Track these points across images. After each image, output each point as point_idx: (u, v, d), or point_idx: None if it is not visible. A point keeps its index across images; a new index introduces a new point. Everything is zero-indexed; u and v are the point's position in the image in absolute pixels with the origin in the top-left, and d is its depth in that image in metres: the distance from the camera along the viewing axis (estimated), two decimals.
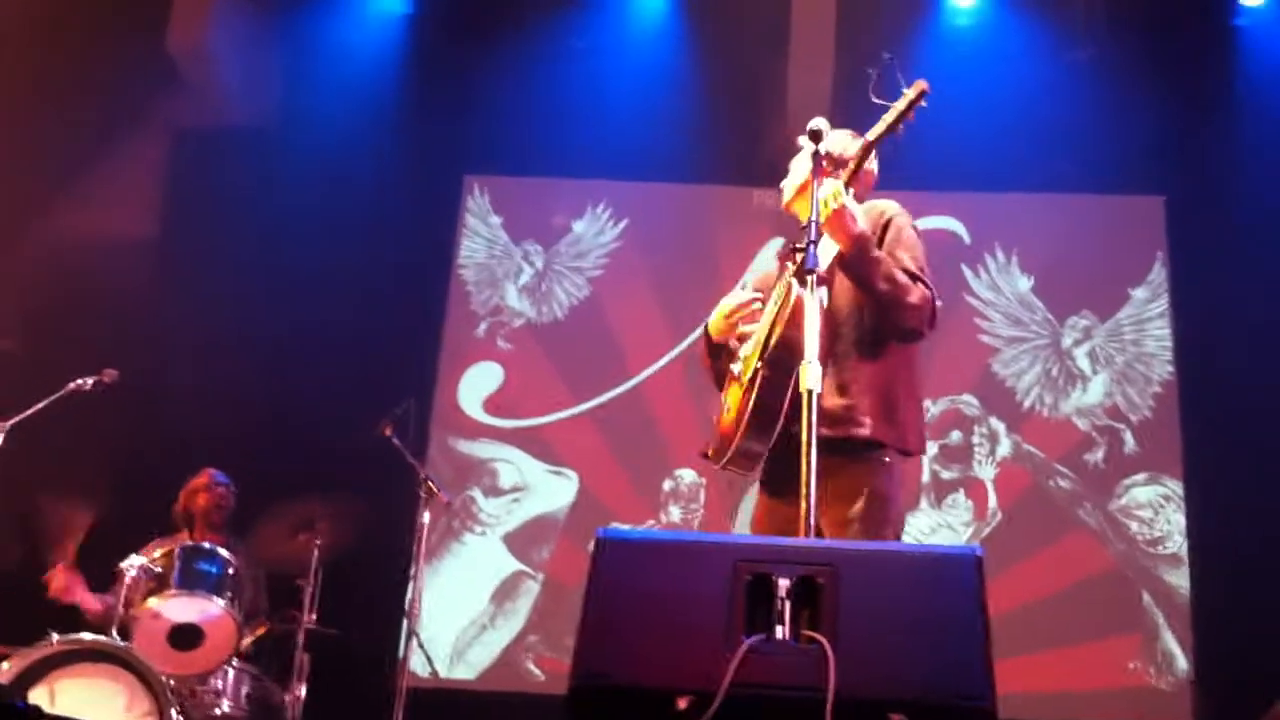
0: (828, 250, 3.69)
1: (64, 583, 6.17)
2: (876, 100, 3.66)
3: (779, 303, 3.75)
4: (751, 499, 4.06)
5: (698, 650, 2.45)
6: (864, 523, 3.64)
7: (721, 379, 4.01)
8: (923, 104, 3.62)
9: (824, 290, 3.52)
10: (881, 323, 3.80)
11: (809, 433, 3.18)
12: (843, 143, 3.98)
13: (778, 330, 3.65)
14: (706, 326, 4.04)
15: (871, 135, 3.69)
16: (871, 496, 3.67)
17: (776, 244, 7.47)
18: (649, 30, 8.60)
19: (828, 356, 3.66)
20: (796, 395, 3.37)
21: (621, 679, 2.45)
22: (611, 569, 2.61)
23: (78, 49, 7.86)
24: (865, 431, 3.72)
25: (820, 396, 3.31)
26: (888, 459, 3.74)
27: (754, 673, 2.40)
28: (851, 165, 3.73)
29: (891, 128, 3.64)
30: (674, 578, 2.58)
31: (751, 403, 3.62)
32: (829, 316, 3.66)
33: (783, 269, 3.94)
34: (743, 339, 3.93)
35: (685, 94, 8.33)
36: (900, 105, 3.62)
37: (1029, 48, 8.12)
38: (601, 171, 8.53)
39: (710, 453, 3.91)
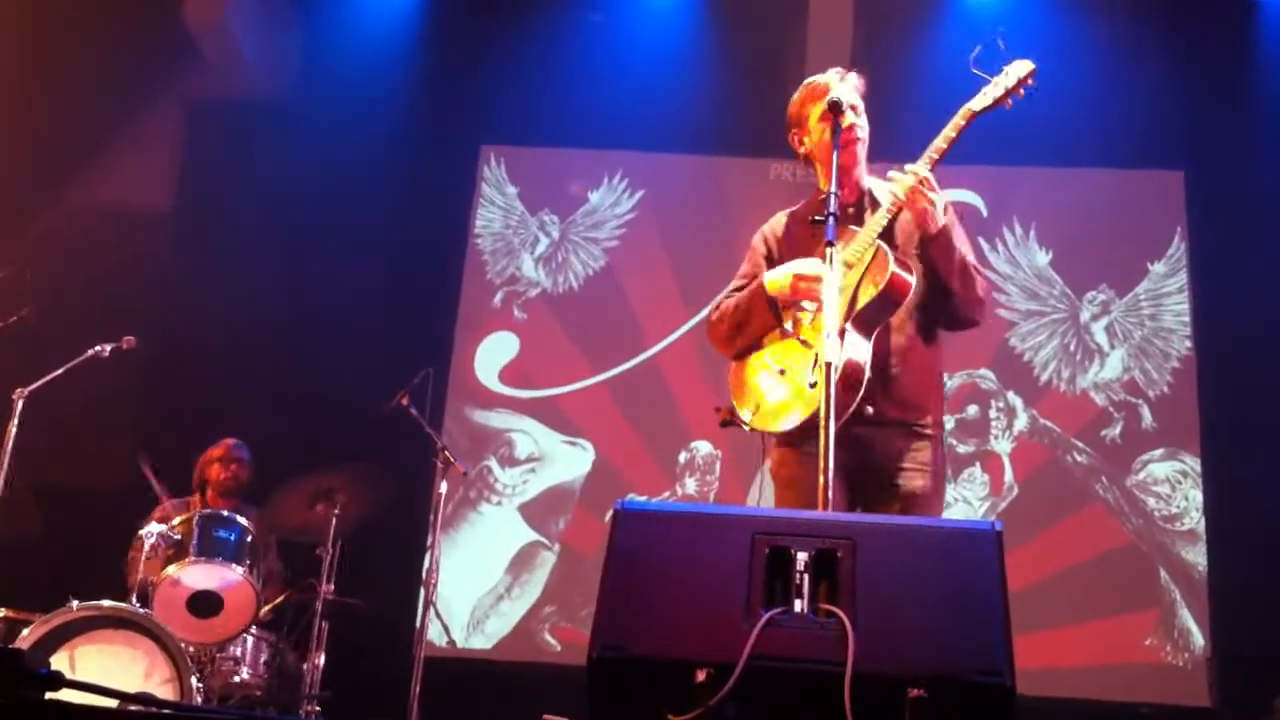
0: (905, 232, 3.82)
1: None
2: (976, 72, 3.78)
3: (855, 265, 3.73)
4: (766, 473, 4.05)
5: (716, 623, 2.45)
6: (929, 496, 3.81)
7: (757, 346, 3.97)
8: (1031, 84, 3.75)
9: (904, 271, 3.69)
10: (949, 312, 3.89)
11: (827, 404, 3.20)
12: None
13: (866, 292, 3.68)
14: (763, 283, 3.93)
15: (976, 106, 3.77)
16: (936, 473, 3.85)
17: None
18: (667, 0, 8.57)
19: (893, 335, 3.75)
20: (874, 355, 3.62)
21: (640, 650, 2.45)
22: (630, 540, 2.61)
23: (96, 24, 7.85)
24: (929, 421, 3.87)
25: (893, 376, 3.66)
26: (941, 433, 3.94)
27: (773, 646, 2.40)
28: (944, 145, 3.75)
29: (998, 102, 3.76)
30: (692, 549, 2.59)
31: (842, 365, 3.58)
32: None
33: (813, 233, 3.83)
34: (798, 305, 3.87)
35: (703, 65, 8.30)
36: (1008, 82, 3.75)
37: (1050, 22, 8.05)
38: (618, 142, 8.51)
39: (753, 414, 3.86)
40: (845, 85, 3.98)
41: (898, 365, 3.78)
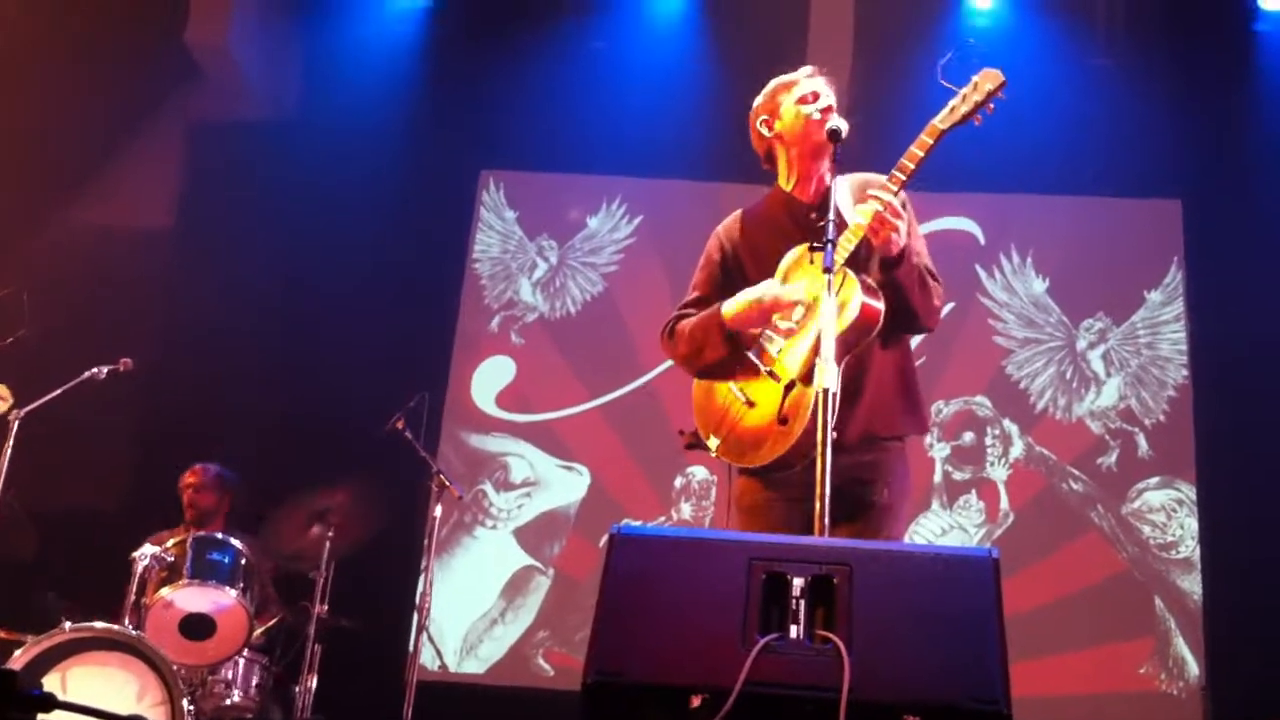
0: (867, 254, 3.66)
1: None
2: (945, 84, 3.55)
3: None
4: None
5: (712, 648, 2.45)
6: (890, 505, 3.68)
7: (722, 370, 3.82)
8: (1001, 96, 3.51)
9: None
10: (906, 324, 3.74)
11: (824, 431, 3.18)
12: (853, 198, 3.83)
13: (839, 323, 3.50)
14: (720, 314, 3.78)
15: (943, 124, 3.54)
16: (895, 481, 3.72)
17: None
18: (666, 27, 8.60)
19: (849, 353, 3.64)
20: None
21: (636, 676, 2.44)
22: (626, 565, 2.60)
23: (98, 43, 7.87)
24: (894, 433, 3.76)
25: (854, 396, 3.52)
26: (904, 443, 3.81)
27: (768, 672, 2.39)
28: (910, 166, 3.55)
29: (966, 118, 3.52)
30: (688, 575, 2.58)
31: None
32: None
33: (777, 244, 3.78)
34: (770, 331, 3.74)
35: (701, 91, 8.31)
36: (977, 96, 3.51)
37: (1047, 48, 8.08)
38: (617, 168, 8.53)
39: (721, 444, 3.77)
40: (817, 82, 3.90)
41: (857, 385, 3.65)
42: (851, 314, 3.53)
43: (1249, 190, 7.91)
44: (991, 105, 3.52)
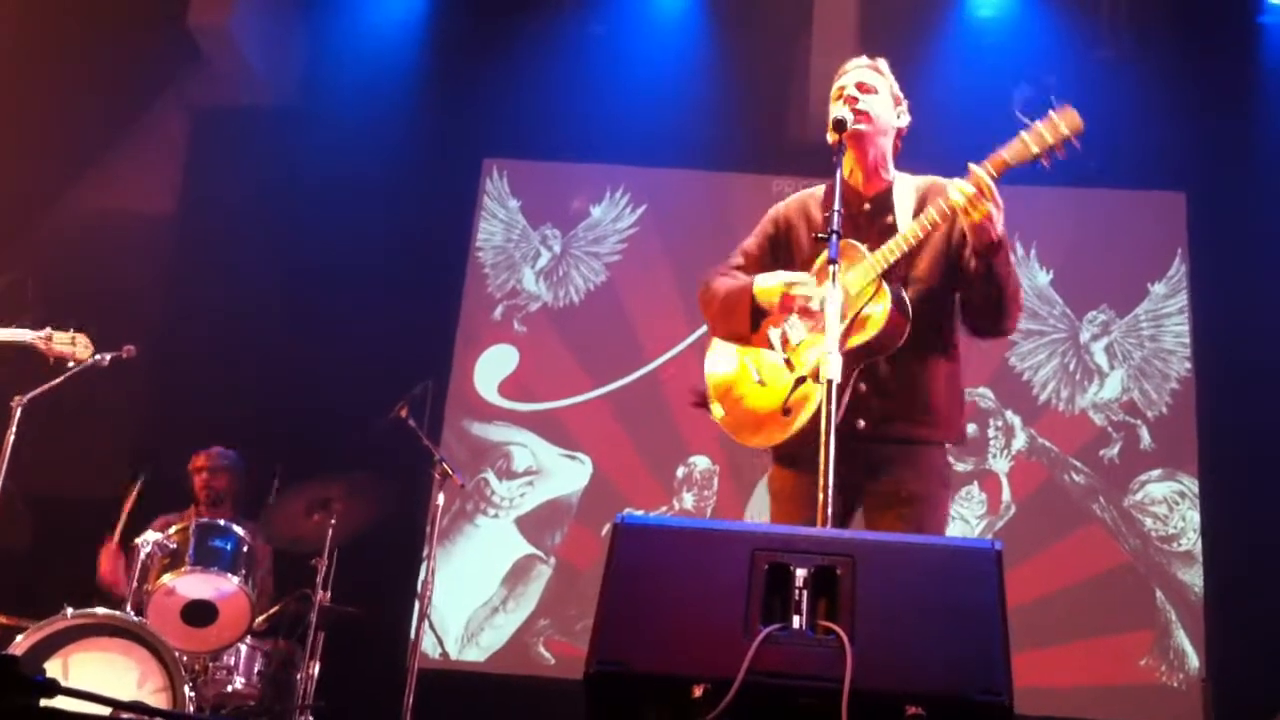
0: (937, 249, 3.69)
1: (109, 564, 6.28)
2: (1021, 116, 3.48)
3: (855, 297, 3.58)
4: (763, 489, 4.03)
5: (714, 638, 2.45)
6: (927, 498, 3.69)
7: (744, 339, 3.82)
8: (1075, 143, 3.45)
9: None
10: (989, 321, 3.72)
11: (828, 422, 3.18)
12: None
13: (859, 335, 3.56)
14: (752, 288, 3.76)
15: (1011, 159, 3.51)
16: (935, 479, 3.74)
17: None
18: (671, 15, 8.57)
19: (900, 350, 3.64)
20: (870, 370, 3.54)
21: (638, 665, 2.44)
22: (629, 554, 2.60)
23: (99, 27, 7.85)
24: (931, 432, 3.76)
25: (888, 390, 3.60)
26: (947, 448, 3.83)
27: (770, 662, 2.40)
28: (1013, 161, 3.51)
29: (1035, 159, 3.48)
30: (692, 565, 2.58)
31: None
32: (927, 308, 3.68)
33: (817, 250, 3.71)
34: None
35: (706, 80, 8.30)
36: (1050, 138, 3.47)
37: (1052, 40, 8.07)
38: (620, 157, 8.51)
39: (725, 415, 3.79)
40: (848, 74, 3.90)
41: (895, 380, 3.66)
42: (879, 323, 3.53)
43: (1254, 183, 7.89)
44: (1063, 151, 3.48)
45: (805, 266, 3.79)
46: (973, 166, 3.49)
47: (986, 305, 3.65)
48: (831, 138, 3.67)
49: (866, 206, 3.80)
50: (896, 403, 3.69)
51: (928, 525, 3.64)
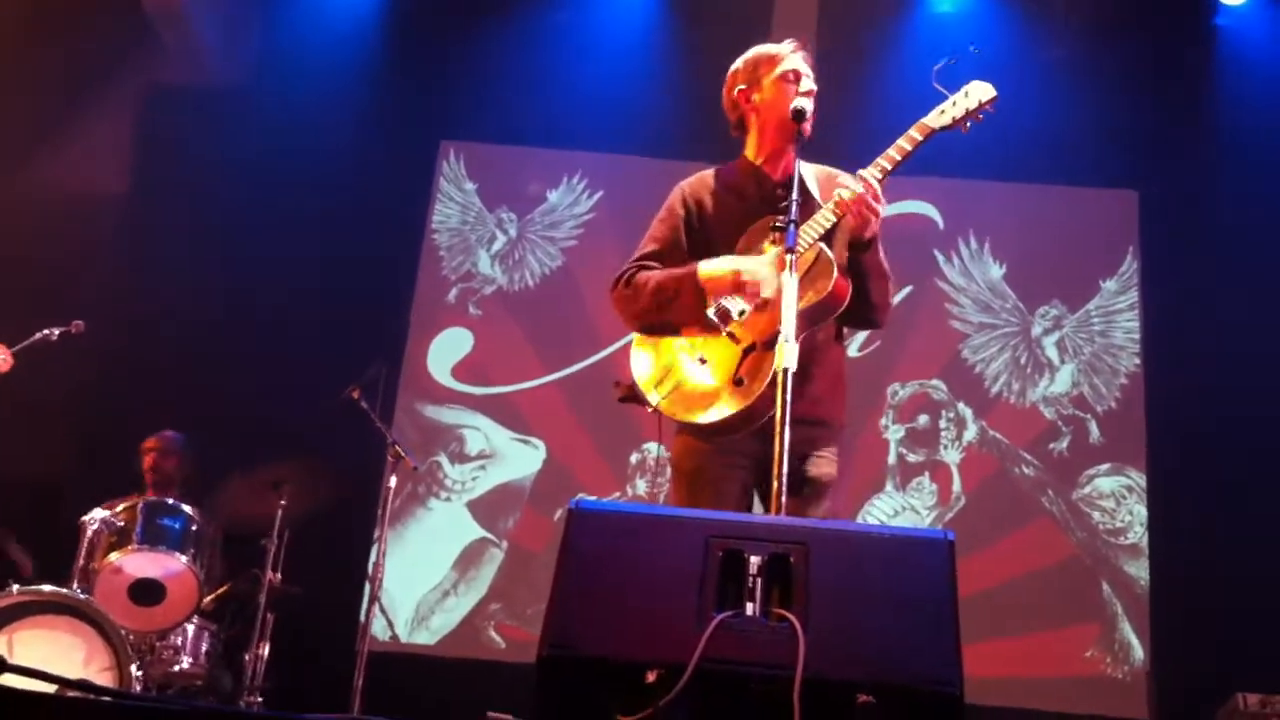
0: (839, 238, 3.70)
1: None
2: (938, 87, 3.66)
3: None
4: (649, 457, 4.01)
5: (668, 624, 2.45)
6: (834, 482, 3.76)
7: (672, 327, 3.83)
8: (990, 110, 3.65)
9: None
10: (861, 316, 3.82)
11: (783, 410, 3.18)
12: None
13: (806, 297, 3.55)
14: (696, 273, 3.74)
15: (934, 123, 3.66)
16: (841, 464, 3.81)
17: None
18: (631, 2, 8.56)
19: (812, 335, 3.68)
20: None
21: (591, 650, 2.44)
22: (584, 539, 2.59)
23: (52, 7, 7.76)
24: (836, 417, 3.83)
25: (808, 375, 3.57)
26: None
27: (724, 648, 2.40)
28: (897, 157, 3.63)
29: (956, 123, 3.65)
30: (646, 551, 2.58)
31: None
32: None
33: (745, 213, 3.81)
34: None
35: (664, 69, 8.31)
36: (969, 104, 3.65)
37: (1009, 38, 8.12)
38: (578, 142, 8.50)
39: (667, 398, 3.74)
40: (800, 60, 3.91)
41: (812, 364, 3.69)
42: (824, 289, 3.57)
43: (1205, 183, 7.99)
44: (980, 115, 3.65)
45: (724, 240, 3.80)
46: (862, 172, 3.61)
47: (856, 300, 3.70)
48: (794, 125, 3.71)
49: (780, 191, 3.81)
50: (813, 384, 3.71)
51: (836, 505, 3.74)
